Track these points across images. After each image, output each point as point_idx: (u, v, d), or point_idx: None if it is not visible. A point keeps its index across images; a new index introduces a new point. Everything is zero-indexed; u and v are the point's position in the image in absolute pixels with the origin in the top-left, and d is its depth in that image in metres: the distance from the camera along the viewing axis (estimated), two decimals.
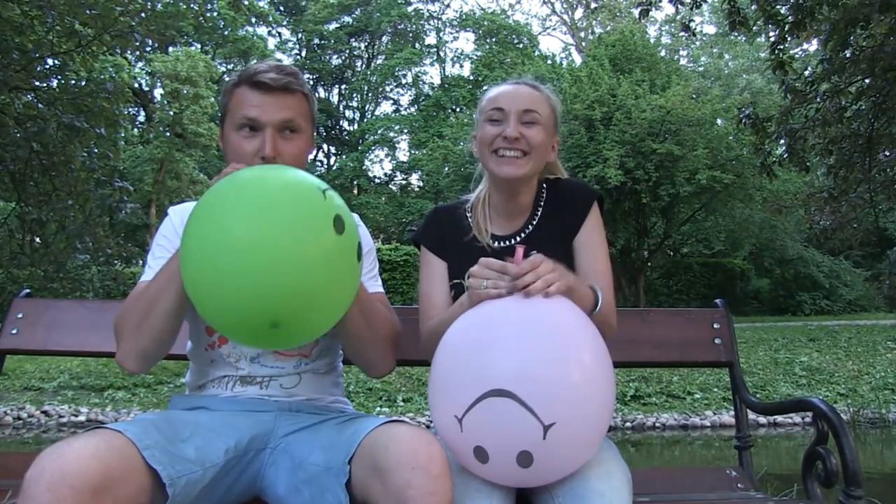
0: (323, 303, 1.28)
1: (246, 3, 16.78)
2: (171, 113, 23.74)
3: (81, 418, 9.81)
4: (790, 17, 7.87)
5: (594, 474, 1.37)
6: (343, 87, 37.75)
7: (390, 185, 35.60)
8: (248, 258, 1.18)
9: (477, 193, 1.88)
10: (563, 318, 1.35)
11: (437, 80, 36.65)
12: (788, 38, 8.12)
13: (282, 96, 1.60)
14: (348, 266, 1.31)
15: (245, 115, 1.57)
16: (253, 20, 30.36)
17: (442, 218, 1.85)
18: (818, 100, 8.74)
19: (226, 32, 30.27)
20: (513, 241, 1.77)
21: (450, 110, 33.89)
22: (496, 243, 1.78)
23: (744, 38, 27.56)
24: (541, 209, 1.80)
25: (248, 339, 1.34)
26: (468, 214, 1.84)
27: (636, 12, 8.68)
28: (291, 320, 1.23)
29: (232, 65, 31.96)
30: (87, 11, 7.03)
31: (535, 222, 1.79)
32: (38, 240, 8.50)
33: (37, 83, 7.72)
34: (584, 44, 35.49)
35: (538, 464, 1.25)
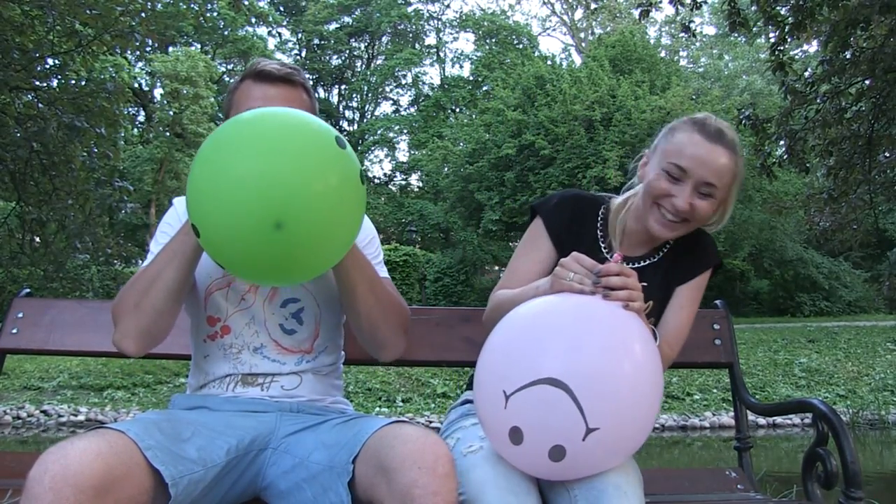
0: (328, 212, 1.25)
1: (246, 3, 16.77)
2: (171, 113, 23.76)
3: (81, 418, 9.83)
4: (790, 19, 7.86)
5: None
6: (343, 87, 37.77)
7: (390, 186, 35.63)
8: (252, 165, 1.19)
9: (621, 203, 1.76)
10: (634, 331, 1.35)
11: (436, 81, 36.71)
12: (788, 40, 8.12)
13: (284, 88, 1.62)
14: (352, 180, 1.29)
15: (250, 106, 1.55)
16: (253, 20, 30.37)
17: (574, 207, 1.75)
18: (818, 101, 8.73)
19: (226, 32, 30.28)
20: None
21: (449, 111, 33.94)
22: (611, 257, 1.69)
23: (744, 40, 27.59)
24: (665, 250, 1.75)
25: (251, 249, 1.25)
26: (599, 216, 1.75)
27: (636, 13, 8.67)
28: (296, 221, 1.20)
29: (232, 65, 31.98)
30: (88, 11, 7.03)
31: (654, 260, 1.74)
32: (37, 239, 8.49)
33: (37, 83, 7.71)
34: (583, 44, 35.49)
35: (568, 461, 1.25)
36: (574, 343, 1.29)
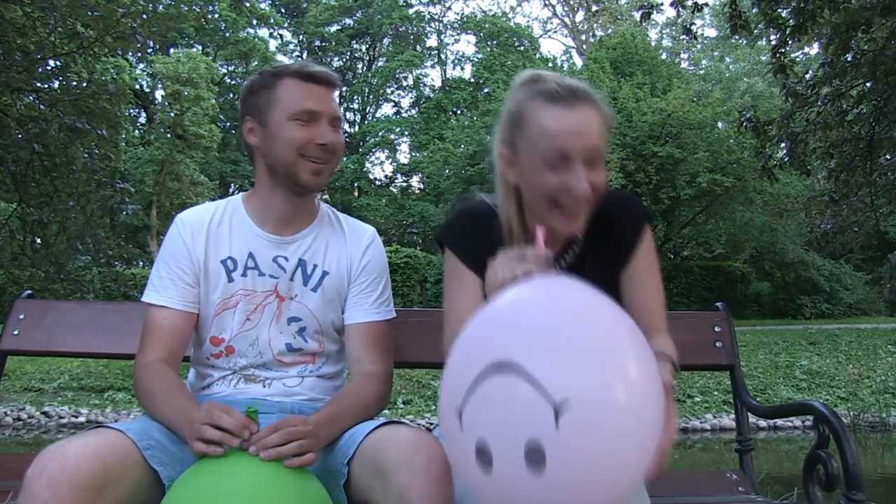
0: None
1: (247, 4, 16.77)
2: (172, 114, 23.75)
3: (81, 419, 9.82)
4: (791, 21, 7.87)
5: None
6: (344, 89, 37.76)
7: (391, 188, 35.61)
8: None
9: (509, 212, 1.51)
10: (591, 296, 1.11)
11: (437, 83, 36.69)
12: (789, 42, 8.13)
13: (329, 90, 1.65)
14: None
15: (304, 106, 1.58)
16: (254, 22, 30.35)
17: (477, 224, 1.54)
18: (819, 103, 8.74)
19: (227, 34, 30.31)
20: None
21: (451, 112, 33.93)
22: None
23: (745, 42, 27.57)
24: (581, 235, 1.51)
25: None
26: (495, 227, 1.53)
27: (637, 15, 8.69)
28: None
29: (233, 66, 32.00)
30: (89, 13, 7.03)
31: (578, 251, 1.53)
32: (39, 241, 8.50)
33: (38, 84, 7.72)
34: (584, 46, 35.52)
35: (552, 466, 0.96)
36: (513, 321, 1.08)
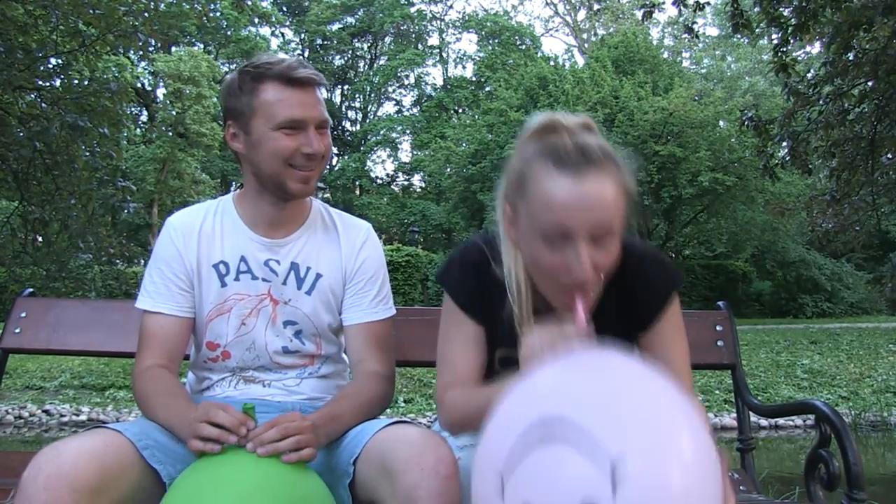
0: None
1: (249, 3, 16.77)
2: (174, 113, 23.78)
3: (83, 417, 9.82)
4: (793, 20, 7.87)
5: None
6: (346, 87, 37.79)
7: (392, 186, 35.64)
8: None
9: (512, 266, 1.36)
10: (643, 366, 1.04)
11: (439, 81, 36.71)
12: (791, 41, 8.12)
13: (313, 91, 1.57)
14: None
15: (288, 115, 1.52)
16: (256, 20, 30.36)
17: (476, 273, 1.42)
18: (821, 102, 8.74)
19: (229, 32, 30.31)
20: None
21: (452, 111, 33.93)
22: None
23: (746, 41, 27.53)
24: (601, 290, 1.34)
25: None
26: (504, 279, 1.38)
27: (639, 14, 8.69)
28: None
29: (235, 65, 31.96)
30: (91, 11, 7.03)
31: (593, 297, 1.33)
32: (40, 239, 8.49)
33: (40, 82, 7.71)
34: (586, 45, 35.49)
35: None
36: (564, 379, 1.01)
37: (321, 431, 1.36)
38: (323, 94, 1.62)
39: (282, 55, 1.63)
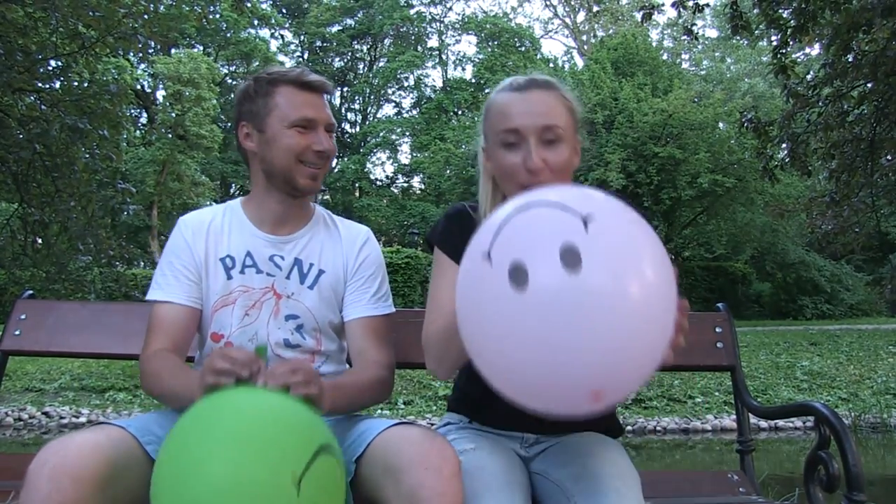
0: None
1: (248, 5, 16.79)
2: (174, 115, 23.77)
3: (82, 420, 9.82)
4: (792, 22, 7.89)
5: (607, 473, 1.39)
6: (345, 89, 37.79)
7: (392, 188, 35.64)
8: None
9: (485, 200, 1.61)
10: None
11: (439, 83, 36.71)
12: (790, 43, 8.14)
13: (323, 97, 1.70)
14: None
15: (302, 114, 1.63)
16: (255, 22, 30.41)
17: (459, 222, 1.63)
18: (820, 104, 8.76)
19: (228, 34, 30.31)
20: None
21: (452, 113, 33.94)
22: None
23: (746, 42, 27.57)
24: None
25: None
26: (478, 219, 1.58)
27: (638, 16, 8.70)
28: None
29: (234, 67, 32.02)
30: (91, 13, 7.04)
31: None
32: (40, 241, 8.49)
33: (40, 85, 7.73)
34: (586, 47, 35.52)
35: (587, 262, 0.97)
36: (535, 193, 1.12)
37: (326, 395, 1.37)
38: (328, 101, 1.73)
39: (290, 66, 1.72)
